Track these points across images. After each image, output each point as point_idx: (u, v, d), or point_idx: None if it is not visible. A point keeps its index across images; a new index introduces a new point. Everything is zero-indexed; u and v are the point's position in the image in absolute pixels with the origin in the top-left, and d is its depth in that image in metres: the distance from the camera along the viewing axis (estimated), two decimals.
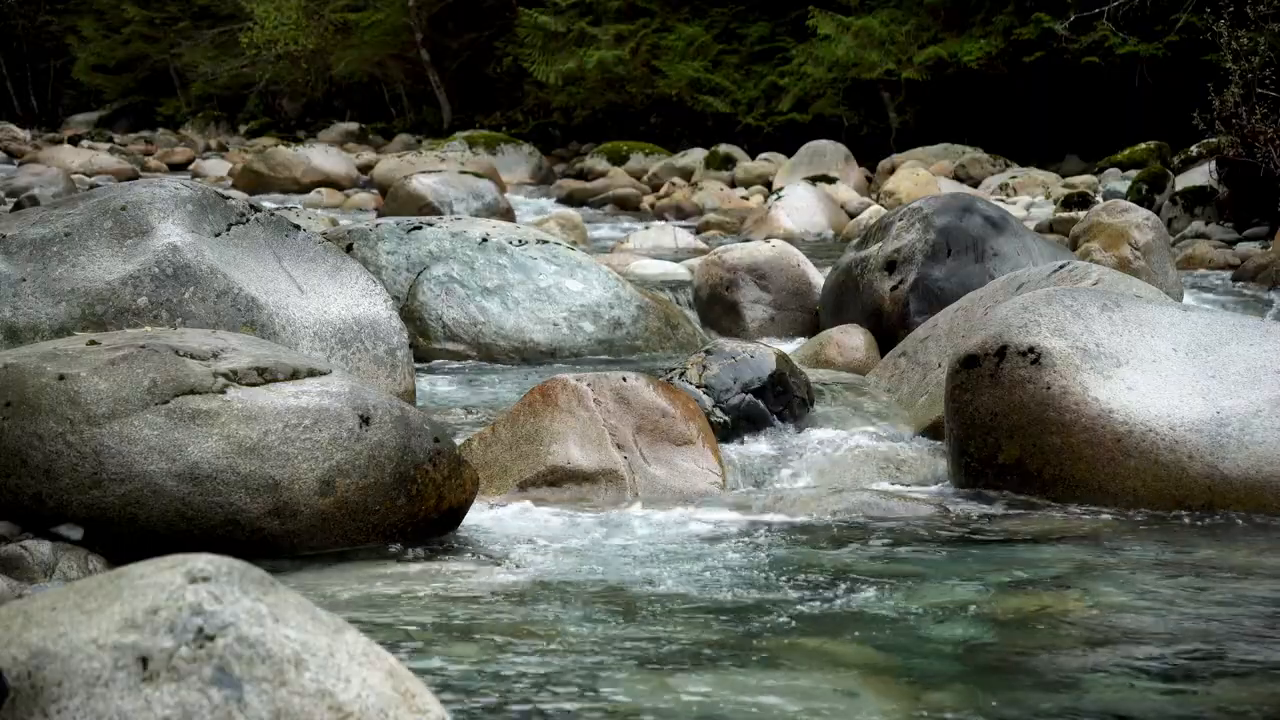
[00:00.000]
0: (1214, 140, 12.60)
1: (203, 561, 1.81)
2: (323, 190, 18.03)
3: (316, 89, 34.39)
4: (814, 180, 16.01)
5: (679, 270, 9.83)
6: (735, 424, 5.05)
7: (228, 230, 5.38)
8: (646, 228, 13.29)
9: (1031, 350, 4.52)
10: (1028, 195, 16.32)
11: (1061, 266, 5.78)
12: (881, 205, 14.63)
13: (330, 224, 10.56)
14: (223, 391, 3.71)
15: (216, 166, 23.14)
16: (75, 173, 19.40)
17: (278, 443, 3.68)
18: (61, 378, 3.64)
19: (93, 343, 3.85)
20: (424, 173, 14.27)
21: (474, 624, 3.14)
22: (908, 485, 4.77)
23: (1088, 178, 16.91)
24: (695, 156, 20.68)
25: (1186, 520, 4.24)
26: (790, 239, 11.55)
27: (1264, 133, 11.61)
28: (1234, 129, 11.92)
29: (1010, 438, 4.53)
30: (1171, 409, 4.39)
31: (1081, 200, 13.75)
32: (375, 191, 17.94)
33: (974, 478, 4.62)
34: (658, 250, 11.49)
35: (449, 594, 3.39)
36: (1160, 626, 3.20)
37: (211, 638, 1.74)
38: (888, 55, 20.90)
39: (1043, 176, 17.47)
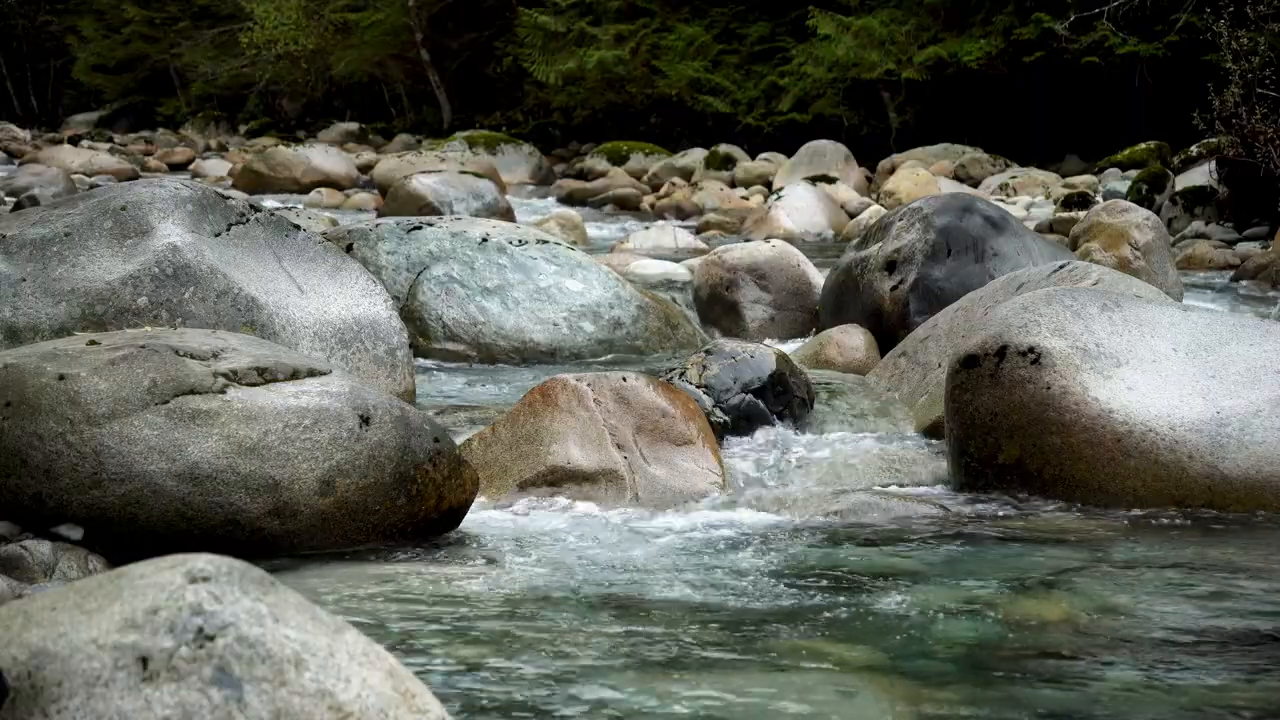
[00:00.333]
0: (1214, 140, 12.60)
1: (203, 561, 1.81)
2: (323, 190, 18.04)
3: (316, 89, 34.41)
4: (814, 180, 16.02)
5: (679, 270, 9.84)
6: (735, 424, 5.05)
7: (228, 230, 5.38)
8: (646, 228, 13.30)
9: (1031, 350, 4.52)
10: (1028, 195, 16.33)
11: (1061, 266, 5.78)
12: (881, 205, 14.63)
13: (330, 224, 10.56)
14: (223, 391, 3.71)
15: (216, 166, 23.15)
16: (75, 173, 19.41)
17: (278, 443, 3.68)
18: (61, 378, 3.64)
19: (93, 343, 3.85)
20: (424, 173, 14.28)
21: (474, 624, 3.14)
22: (908, 485, 4.77)
23: (1088, 178, 16.92)
24: (695, 156, 20.69)
25: (1186, 520, 4.24)
26: (790, 239, 11.55)
27: (1264, 133, 11.62)
28: (1234, 129, 11.92)
29: (1010, 438, 4.53)
30: (1171, 409, 4.39)
31: (1081, 200, 13.75)
32: (375, 191, 17.95)
33: (974, 478, 4.62)
34: (658, 250, 11.50)
35: (449, 594, 3.39)
36: (1160, 626, 3.20)
37: (211, 638, 1.74)
38: (888, 55, 20.91)
39: (1043, 176, 17.48)
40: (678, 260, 10.52)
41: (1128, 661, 2.96)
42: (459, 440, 4.44)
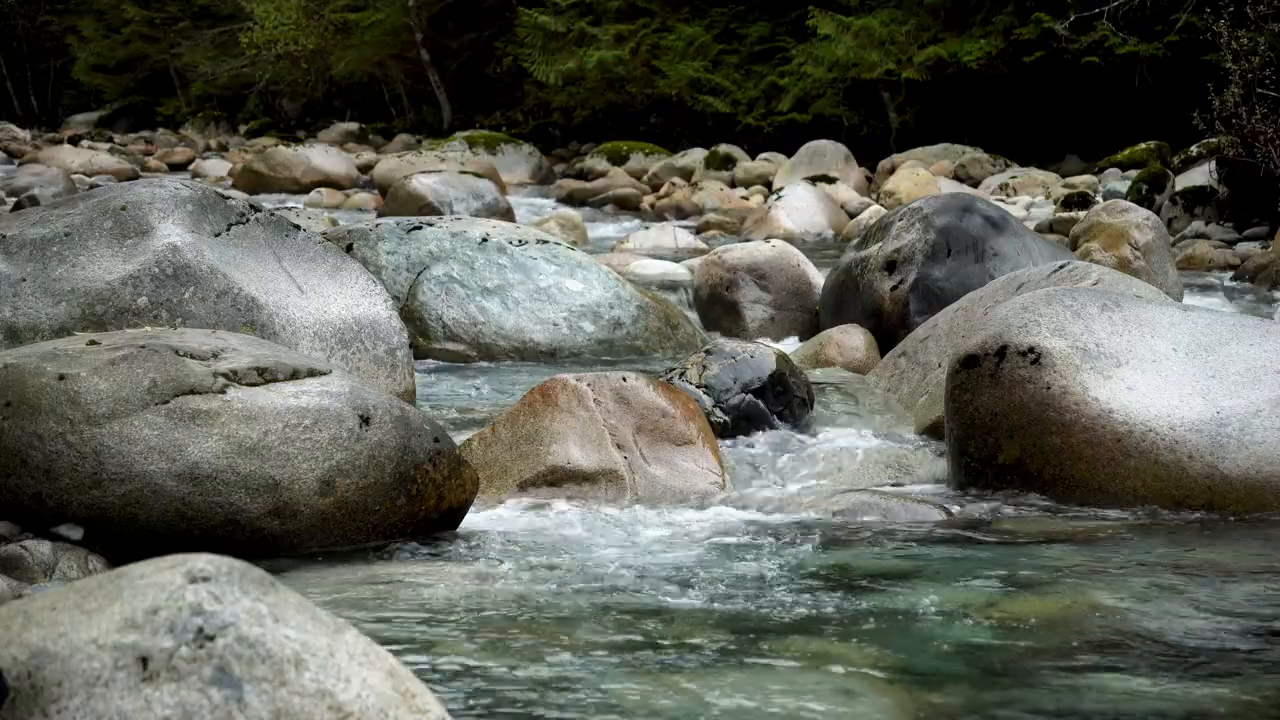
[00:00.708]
0: (1214, 140, 12.60)
1: (203, 561, 1.81)
2: (323, 190, 18.04)
3: (316, 89, 34.40)
4: (814, 180, 16.02)
5: (679, 270, 9.84)
6: (735, 424, 5.05)
7: (228, 230, 5.38)
8: (646, 228, 13.29)
9: (1031, 350, 4.52)
10: (1028, 195, 16.32)
11: (1061, 266, 5.78)
12: (881, 205, 14.63)
13: (330, 224, 10.56)
14: (223, 391, 3.71)
15: (216, 166, 23.14)
16: (75, 173, 19.41)
17: (278, 443, 3.68)
18: (61, 378, 3.64)
19: (93, 343, 3.85)
20: (424, 173, 14.28)
21: (474, 624, 3.14)
22: (908, 485, 4.77)
23: (1088, 178, 16.91)
24: (695, 156, 20.68)
25: (1186, 520, 4.24)
26: (790, 239, 11.55)
27: (1264, 133, 11.61)
28: (1234, 129, 11.92)
29: (1010, 438, 4.53)
30: (1171, 409, 4.39)
31: (1081, 200, 13.75)
32: (375, 191, 17.95)
33: (974, 478, 4.62)
34: (658, 250, 11.50)
35: (449, 594, 3.39)
36: (1160, 626, 3.20)
37: (211, 638, 1.74)
38: (888, 55, 20.90)
39: (1043, 176, 17.48)
40: (678, 260, 10.52)
41: (1128, 661, 2.96)
42: (459, 440, 4.44)
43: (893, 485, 4.76)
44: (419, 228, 7.45)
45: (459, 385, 6.46)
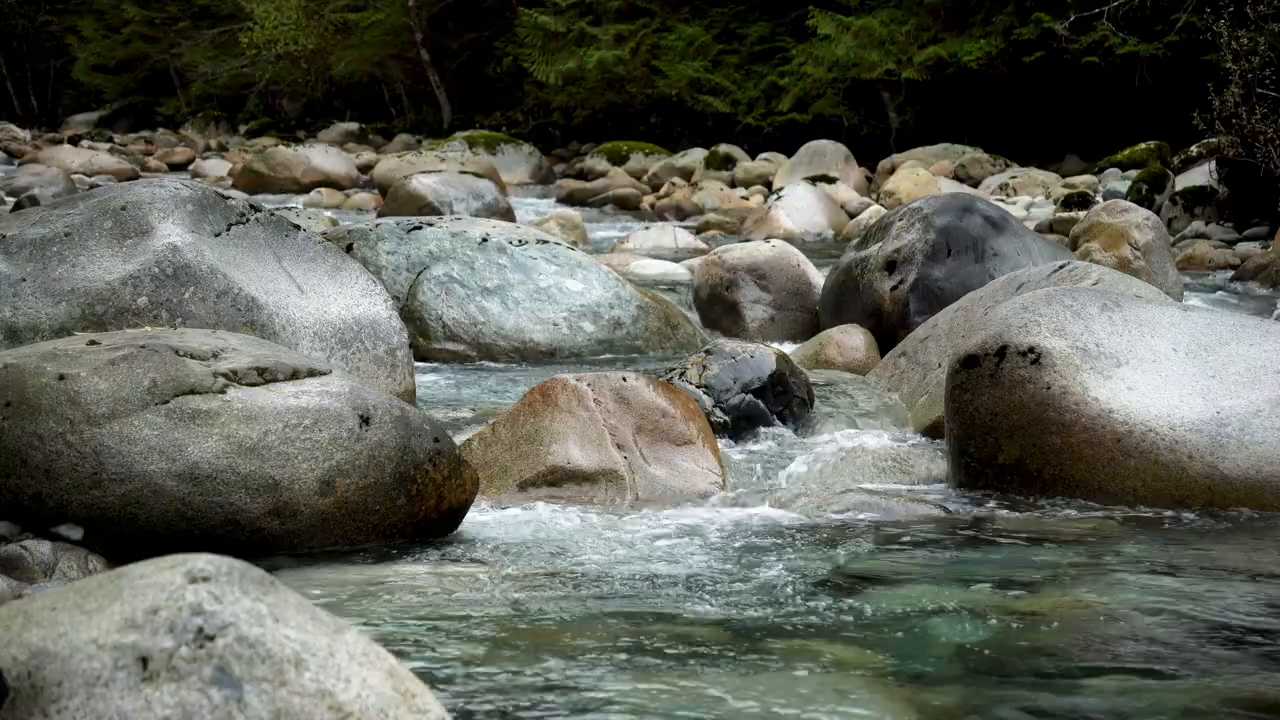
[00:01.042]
0: (1214, 140, 12.60)
1: (203, 561, 1.81)
2: (323, 190, 18.04)
3: (316, 89, 34.41)
4: (814, 180, 16.02)
5: (679, 270, 9.84)
6: (735, 424, 5.05)
7: (228, 230, 5.38)
8: (646, 228, 13.29)
9: (1031, 350, 4.52)
10: (1028, 195, 16.32)
11: (1061, 266, 5.78)
12: (881, 205, 14.63)
13: (330, 224, 10.56)
14: (223, 391, 3.71)
15: (216, 166, 23.15)
16: (75, 173, 19.41)
17: (278, 443, 3.68)
18: (61, 378, 3.64)
19: (93, 343, 3.85)
20: (424, 173, 14.28)
21: (474, 624, 3.14)
22: (908, 485, 4.77)
23: (1088, 178, 16.92)
24: (695, 156, 20.69)
25: (1186, 520, 4.24)
26: (790, 239, 11.55)
27: (1264, 133, 11.62)
28: (1234, 129, 11.92)
29: (1010, 438, 4.53)
30: (1171, 409, 4.39)
31: (1081, 200, 13.75)
32: (375, 191, 17.95)
33: (974, 478, 4.62)
34: (658, 250, 11.50)
35: (449, 594, 3.39)
36: (1160, 626, 3.20)
37: (211, 638, 1.74)
38: (888, 55, 20.91)
39: (1043, 176, 17.48)
40: (678, 260, 10.52)
41: (1128, 661, 2.96)
42: (459, 440, 4.44)
43: (893, 485, 4.76)
44: (419, 228, 7.45)
45: (459, 385, 6.46)
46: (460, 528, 4.06)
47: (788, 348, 6.57)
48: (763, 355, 5.24)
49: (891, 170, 18.12)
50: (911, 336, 5.96)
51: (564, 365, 6.81)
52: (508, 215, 13.10)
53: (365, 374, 5.34)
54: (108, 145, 26.68)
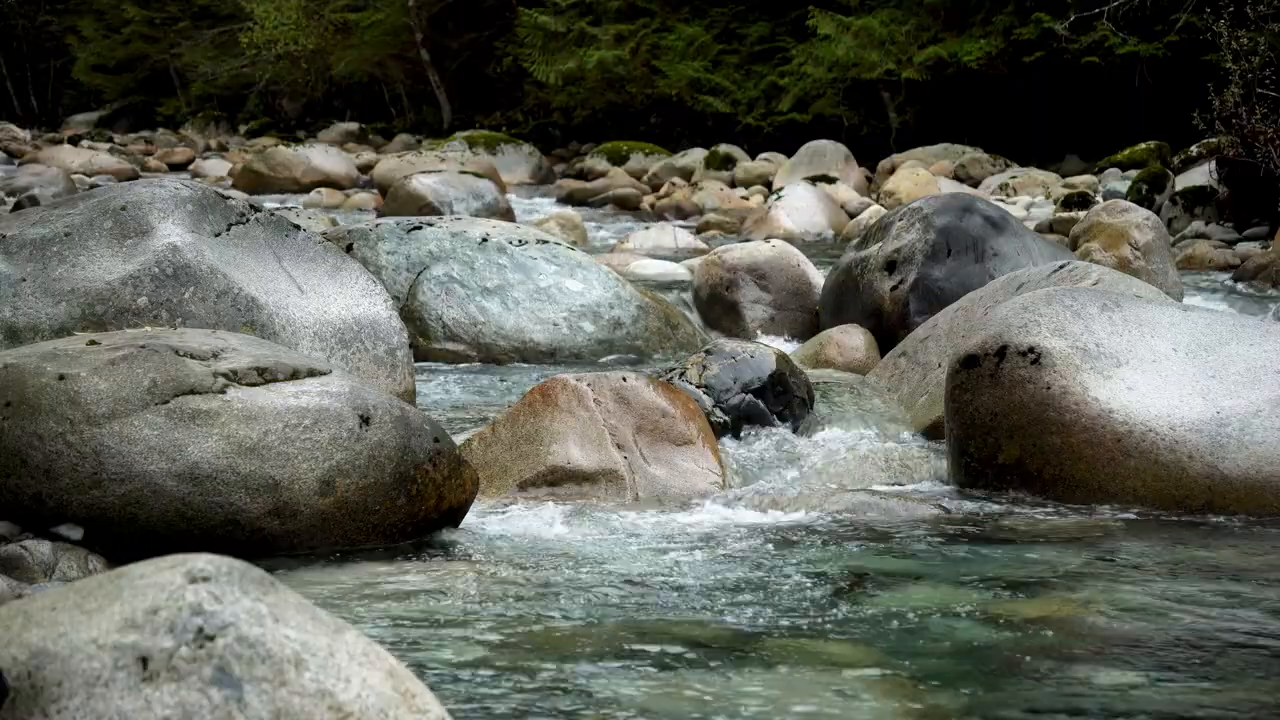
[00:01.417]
0: (1214, 140, 12.60)
1: (203, 561, 1.81)
2: (323, 190, 18.03)
3: (316, 89, 34.40)
4: (814, 180, 16.01)
5: (679, 270, 9.83)
6: (735, 424, 5.05)
7: (228, 230, 5.38)
8: (646, 228, 13.29)
9: (1031, 350, 4.52)
10: (1028, 195, 16.32)
11: (1061, 266, 5.78)
12: (881, 205, 14.62)
13: (330, 224, 10.56)
14: (223, 391, 3.71)
15: (216, 166, 23.14)
16: (75, 173, 19.41)
17: (278, 443, 3.68)
18: (61, 378, 3.64)
19: (93, 343, 3.85)
20: (424, 173, 14.28)
21: (474, 624, 3.14)
22: (908, 485, 4.77)
23: (1088, 178, 16.91)
24: (695, 156, 20.68)
25: (1186, 520, 4.24)
26: (790, 239, 11.55)
27: (1264, 133, 11.61)
28: (1234, 129, 11.91)
29: (1010, 438, 4.53)
30: (1171, 409, 4.39)
31: (1081, 200, 13.75)
32: (375, 191, 17.94)
33: (974, 478, 4.62)
34: (658, 250, 11.49)
35: (449, 594, 3.39)
36: (1160, 626, 3.20)
37: (211, 638, 1.73)
38: (888, 55, 20.90)
39: (1043, 176, 17.48)
40: (678, 260, 10.52)
41: (1127, 661, 2.96)
42: (459, 440, 4.44)
43: (893, 485, 4.76)
44: (419, 228, 7.45)
45: (459, 385, 6.46)
46: (460, 528, 4.06)
47: (788, 348, 6.56)
48: (763, 355, 5.24)
49: (891, 170, 18.12)
50: (911, 336, 5.96)
51: (564, 365, 6.81)
52: (508, 215, 13.10)
53: (365, 374, 5.34)
54: (108, 145, 26.67)
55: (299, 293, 5.38)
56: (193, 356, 3.78)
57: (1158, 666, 2.93)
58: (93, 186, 16.30)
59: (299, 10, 31.55)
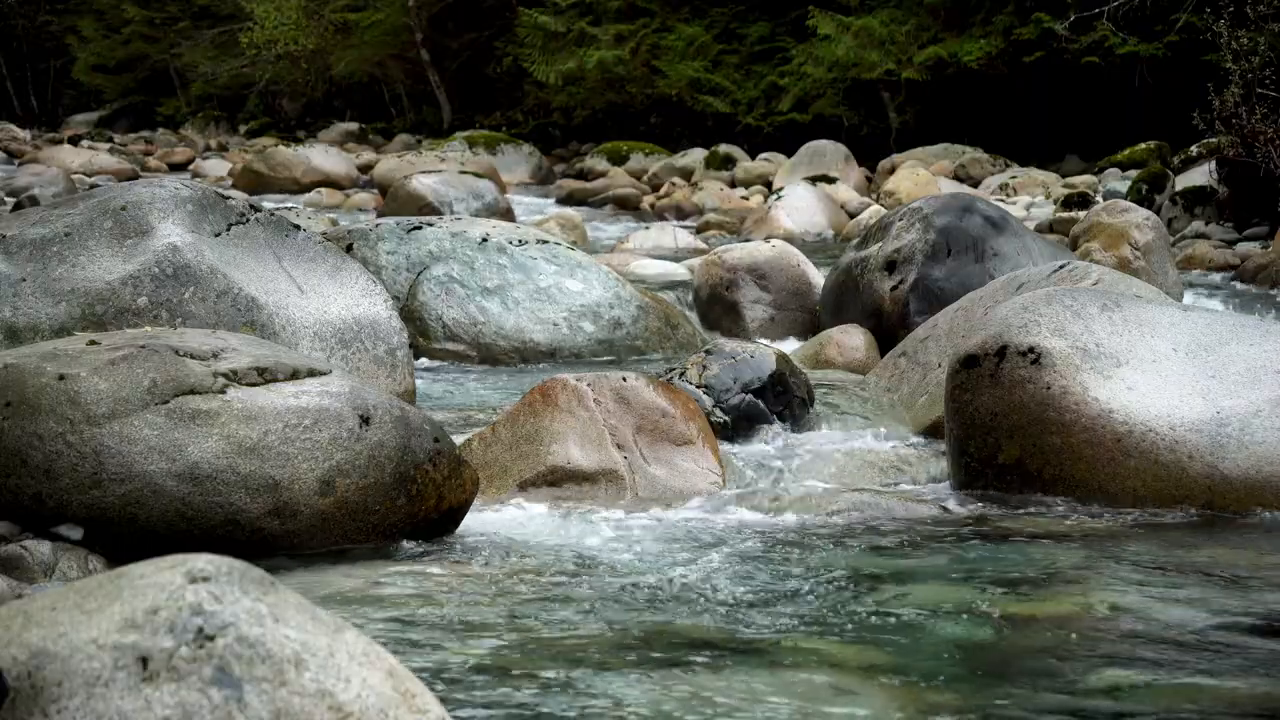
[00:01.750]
0: (1214, 140, 12.60)
1: (203, 561, 1.81)
2: (323, 190, 18.03)
3: (316, 89, 34.40)
4: (814, 180, 16.01)
5: (679, 270, 9.84)
6: (735, 424, 5.05)
7: (228, 230, 5.38)
8: (646, 228, 13.29)
9: (1031, 350, 4.52)
10: (1028, 195, 16.32)
11: (1061, 266, 5.78)
12: (881, 205, 14.62)
13: (330, 224, 10.56)
14: (223, 391, 3.71)
15: (216, 166, 23.13)
16: (75, 173, 19.40)
17: (278, 443, 3.68)
18: (61, 378, 3.64)
19: (93, 343, 3.85)
20: (424, 173, 14.28)
21: (474, 624, 3.14)
22: (908, 485, 4.77)
23: (1088, 178, 16.91)
24: (695, 156, 20.68)
25: (1186, 520, 4.24)
26: (790, 239, 11.55)
27: (1264, 133, 11.61)
28: (1234, 129, 11.92)
29: (1010, 438, 4.53)
30: (1171, 409, 4.39)
31: (1081, 200, 13.74)
32: (375, 191, 17.94)
33: (974, 478, 4.62)
34: (658, 250, 11.49)
35: (449, 594, 3.39)
36: (1160, 626, 3.20)
37: (211, 638, 1.73)
38: (888, 55, 20.90)
39: (1043, 176, 17.47)
40: (678, 260, 10.52)
41: (1128, 661, 2.96)
42: (459, 440, 4.44)
43: (893, 485, 4.76)
44: (419, 228, 7.45)
45: (459, 385, 6.46)
46: (460, 528, 4.06)
47: (788, 348, 6.57)
48: (763, 355, 5.24)
49: (891, 170, 18.12)
50: (911, 336, 5.96)
51: (564, 365, 6.81)
52: (508, 215, 13.10)
53: (365, 374, 5.34)
54: (108, 145, 26.67)
55: (299, 293, 5.38)
56: (193, 356, 3.78)
57: (1158, 666, 2.93)
58: (93, 186, 16.30)
59: (299, 10, 31.54)
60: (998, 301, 5.46)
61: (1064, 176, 17.63)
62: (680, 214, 16.67)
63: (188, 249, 5.18)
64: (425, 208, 12.70)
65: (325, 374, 3.94)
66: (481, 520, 4.16)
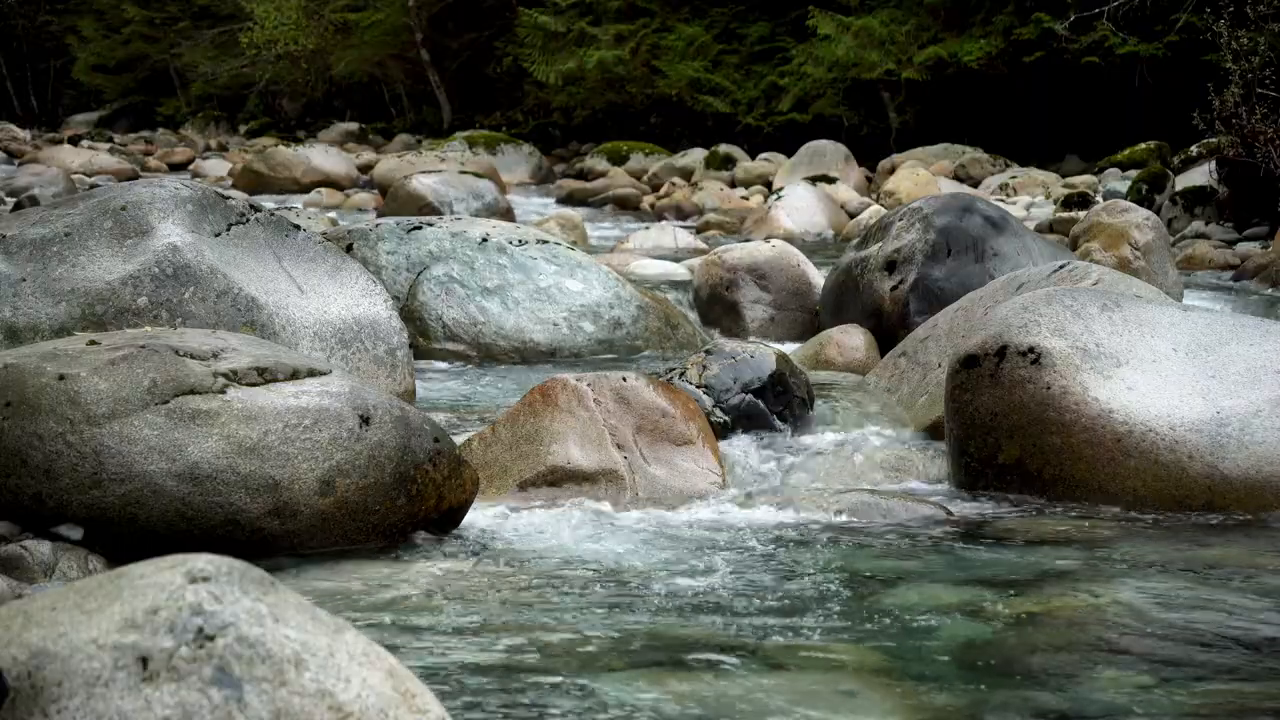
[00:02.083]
0: (1214, 140, 12.60)
1: (203, 561, 1.81)
2: (323, 190, 18.03)
3: (316, 89, 34.42)
4: (814, 180, 16.02)
5: (679, 270, 9.83)
6: (735, 424, 5.05)
7: (228, 230, 5.38)
8: (646, 228, 13.29)
9: (1031, 350, 4.52)
10: (1028, 195, 16.32)
11: (1061, 266, 5.78)
12: (881, 205, 14.63)
13: (330, 224, 10.56)
14: (223, 391, 3.71)
15: (216, 166, 23.15)
16: (75, 173, 19.41)
17: (278, 443, 3.68)
18: (61, 378, 3.64)
19: (93, 343, 3.85)
20: (424, 173, 14.28)
21: (474, 624, 3.14)
22: (908, 485, 4.77)
23: (1088, 178, 16.92)
24: (695, 156, 20.69)
25: (1186, 520, 4.24)
26: (790, 239, 11.55)
27: (1264, 133, 11.62)
28: (1234, 129, 11.92)
29: (1010, 438, 4.53)
30: (1171, 409, 4.39)
31: (1081, 200, 13.75)
32: (375, 191, 17.95)
33: (974, 478, 4.62)
34: (658, 250, 11.49)
35: (449, 594, 3.39)
36: (1160, 626, 3.20)
37: (211, 638, 1.73)
38: (888, 55, 20.91)
39: (1043, 176, 17.48)
40: (678, 260, 10.52)
41: (1128, 661, 2.96)
42: (459, 440, 4.44)
43: (893, 485, 4.76)
44: (419, 228, 7.45)
45: (459, 385, 6.46)
46: (460, 528, 4.06)
47: (788, 348, 6.57)
48: (763, 355, 5.24)
49: (891, 170, 18.13)
50: (911, 336, 5.96)
51: (564, 365, 6.81)
52: (508, 215, 13.10)
53: (365, 374, 5.34)
54: (108, 145, 26.68)
55: (299, 293, 5.38)
56: (193, 356, 3.78)
57: (1158, 666, 2.93)
58: (93, 186, 16.30)
59: (299, 10, 31.57)
60: (998, 301, 5.46)
61: (1064, 176, 17.64)
62: (680, 214, 16.68)
63: (188, 249, 5.18)
64: (425, 208, 12.70)
65: (325, 374, 3.94)
66: (482, 520, 4.16)
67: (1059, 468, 4.44)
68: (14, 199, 13.90)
